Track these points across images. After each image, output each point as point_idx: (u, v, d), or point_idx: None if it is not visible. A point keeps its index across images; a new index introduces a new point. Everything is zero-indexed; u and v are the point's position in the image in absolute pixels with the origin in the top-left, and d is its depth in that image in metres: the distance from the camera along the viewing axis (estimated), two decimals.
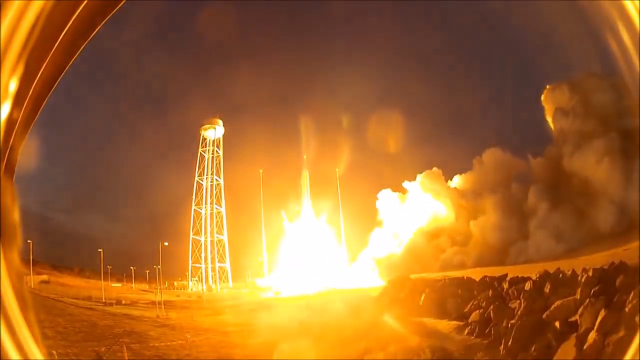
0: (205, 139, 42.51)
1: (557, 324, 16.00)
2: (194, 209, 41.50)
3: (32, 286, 28.16)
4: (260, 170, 38.49)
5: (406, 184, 37.04)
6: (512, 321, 17.93)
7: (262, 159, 37.35)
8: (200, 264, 40.86)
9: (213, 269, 41.20)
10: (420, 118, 36.25)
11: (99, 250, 32.54)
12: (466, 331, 20.80)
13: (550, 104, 33.83)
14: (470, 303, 22.34)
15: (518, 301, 18.86)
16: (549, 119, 33.71)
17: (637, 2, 2.49)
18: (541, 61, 34.25)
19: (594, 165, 29.48)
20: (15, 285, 2.46)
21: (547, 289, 17.75)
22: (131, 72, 35.45)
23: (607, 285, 15.09)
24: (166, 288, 38.04)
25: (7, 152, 2.67)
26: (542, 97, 34.10)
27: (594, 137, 30.18)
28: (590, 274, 16.24)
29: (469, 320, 21.26)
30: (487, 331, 19.44)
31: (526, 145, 34.43)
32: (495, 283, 22.00)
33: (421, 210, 36.53)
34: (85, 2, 2.80)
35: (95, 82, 35.40)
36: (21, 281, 2.59)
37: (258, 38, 39.27)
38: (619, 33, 2.58)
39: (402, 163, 34.82)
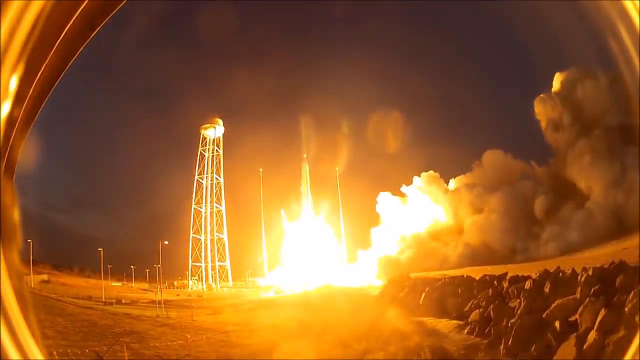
0: (205, 138, 42.57)
1: (557, 323, 15.99)
2: (194, 208, 41.59)
3: (32, 286, 28.20)
4: (261, 169, 38.54)
5: (404, 189, 37.26)
6: (512, 320, 17.92)
7: (262, 158, 37.42)
8: (201, 262, 40.93)
9: (213, 268, 41.28)
10: (420, 118, 36.30)
11: (99, 249, 32.59)
12: (466, 330, 20.80)
13: (543, 117, 34.32)
14: (470, 302, 22.34)
15: (518, 300, 18.86)
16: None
17: (637, 2, 2.49)
18: (541, 61, 34.33)
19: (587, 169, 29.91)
20: (15, 285, 2.45)
21: (547, 288, 17.74)
22: (131, 71, 35.42)
23: (607, 285, 15.08)
24: (166, 287, 38.09)
25: (7, 152, 2.67)
26: (535, 110, 34.53)
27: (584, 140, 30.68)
28: (590, 273, 16.23)
29: (469, 320, 21.26)
30: (487, 330, 19.44)
31: (525, 147, 34.64)
32: (495, 282, 21.99)
33: (420, 211, 36.64)
34: (85, 2, 2.79)
35: (95, 82, 35.44)
36: (21, 281, 2.59)
37: (258, 37, 39.32)
38: (619, 33, 2.58)
39: (401, 162, 34.85)
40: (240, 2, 39.11)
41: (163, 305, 30.79)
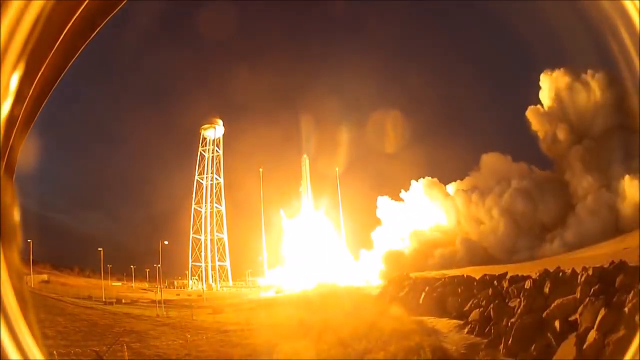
0: (205, 138, 42.57)
1: (557, 322, 16.00)
2: (194, 208, 41.57)
3: (32, 286, 28.19)
4: (260, 169, 38.53)
5: (403, 194, 37.36)
6: (512, 320, 17.94)
7: (262, 157, 37.41)
8: (201, 262, 40.93)
9: (213, 268, 41.27)
10: (420, 118, 36.30)
11: (99, 249, 32.57)
12: (466, 330, 20.82)
13: (538, 127, 34.57)
14: (470, 302, 22.36)
15: (518, 300, 18.87)
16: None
17: (637, 2, 2.49)
18: (541, 61, 34.34)
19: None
20: (15, 285, 2.45)
21: (547, 288, 17.76)
22: (131, 71, 35.43)
23: (607, 285, 15.10)
24: (166, 287, 38.08)
25: (7, 151, 2.67)
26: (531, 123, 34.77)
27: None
28: (590, 272, 16.24)
29: (469, 319, 21.28)
30: (487, 330, 19.46)
31: (525, 148, 34.74)
32: (495, 282, 22.00)
33: (420, 213, 36.71)
34: (85, 2, 2.79)
35: (95, 82, 35.44)
36: (21, 281, 2.59)
37: (258, 36, 39.33)
38: (619, 33, 2.58)
39: (402, 162, 34.79)
40: (240, 1, 39.11)
41: (163, 305, 30.80)
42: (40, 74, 2.79)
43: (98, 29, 3.10)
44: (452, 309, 23.44)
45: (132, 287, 37.18)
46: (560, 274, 18.34)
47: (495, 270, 25.09)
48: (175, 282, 40.45)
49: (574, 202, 30.98)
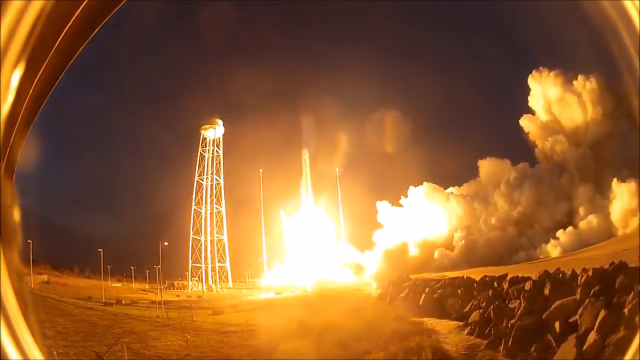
0: (205, 138, 42.55)
1: (557, 324, 16.00)
2: (194, 209, 41.53)
3: (32, 286, 28.16)
4: (260, 170, 38.51)
5: (403, 200, 37.47)
6: (512, 321, 17.93)
7: (262, 158, 37.38)
8: (200, 263, 40.88)
9: (213, 269, 41.22)
10: (420, 118, 36.23)
11: (99, 250, 32.53)
12: (466, 331, 20.81)
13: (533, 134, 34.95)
14: (470, 303, 22.35)
15: (518, 301, 18.85)
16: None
17: (637, 2, 2.49)
18: (541, 61, 34.36)
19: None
20: (15, 285, 2.46)
21: (547, 289, 17.75)
22: (131, 70, 35.40)
23: (607, 286, 15.09)
24: (166, 288, 38.04)
25: (7, 151, 2.67)
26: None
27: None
28: (590, 274, 16.23)
29: (469, 320, 21.27)
30: (487, 331, 19.44)
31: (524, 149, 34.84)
32: (495, 283, 21.99)
33: (420, 216, 36.81)
34: (85, 2, 2.80)
35: (95, 81, 35.45)
36: (21, 281, 2.59)
37: (258, 36, 39.28)
38: (619, 33, 2.58)
39: (402, 161, 34.73)
40: (241, 1, 39.08)
41: (163, 306, 30.77)
42: (40, 74, 2.79)
43: (98, 28, 3.11)
44: (452, 310, 23.44)
45: (132, 288, 37.12)
46: (560, 275, 18.34)
47: (495, 271, 25.08)
48: (175, 283, 40.39)
49: (572, 204, 31.19)
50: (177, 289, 39.97)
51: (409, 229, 36.74)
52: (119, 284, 36.83)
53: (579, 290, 16.06)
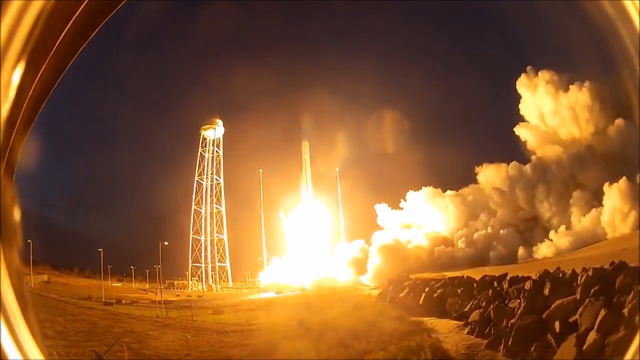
0: (205, 138, 42.57)
1: (557, 323, 15.99)
2: (194, 209, 41.57)
3: (32, 286, 28.16)
4: (261, 170, 38.50)
5: (402, 204, 37.60)
6: (512, 321, 17.93)
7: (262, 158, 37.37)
8: (200, 263, 40.91)
9: (213, 269, 41.25)
10: (421, 117, 36.24)
11: (99, 250, 32.54)
12: (466, 331, 20.82)
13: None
14: (470, 303, 22.35)
15: (518, 301, 18.85)
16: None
17: (637, 2, 2.49)
18: (541, 61, 34.36)
19: None
20: (15, 285, 2.46)
21: (547, 289, 17.75)
22: (131, 70, 35.38)
23: (607, 285, 15.08)
24: (166, 287, 38.06)
25: (7, 152, 2.67)
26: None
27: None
28: (590, 273, 16.23)
29: (469, 320, 21.27)
30: (487, 331, 19.44)
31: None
32: (495, 283, 21.99)
33: (420, 219, 36.93)
34: (85, 2, 2.80)
35: (95, 82, 35.45)
36: (21, 281, 2.59)
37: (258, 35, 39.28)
38: (619, 33, 2.58)
39: (402, 162, 34.75)
40: (241, 0, 39.08)
41: (163, 306, 30.79)
42: (40, 74, 2.79)
43: (98, 28, 3.11)
44: (452, 309, 23.44)
45: (132, 287, 37.15)
46: (560, 274, 18.33)
47: (495, 271, 25.10)
48: (175, 283, 40.42)
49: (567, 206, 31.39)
50: (177, 288, 39.99)
51: (408, 228, 36.88)
52: (119, 284, 36.85)
53: (579, 290, 16.06)
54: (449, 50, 37.94)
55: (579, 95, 32.78)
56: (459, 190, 37.17)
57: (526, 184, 33.34)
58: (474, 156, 35.85)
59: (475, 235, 34.36)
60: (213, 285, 41.02)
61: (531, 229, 32.42)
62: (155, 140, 40.09)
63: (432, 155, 34.24)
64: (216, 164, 42.49)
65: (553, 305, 16.63)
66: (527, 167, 33.99)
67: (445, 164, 35.24)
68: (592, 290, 15.46)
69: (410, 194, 37.43)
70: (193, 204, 41.52)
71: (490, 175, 36.16)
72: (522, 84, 35.13)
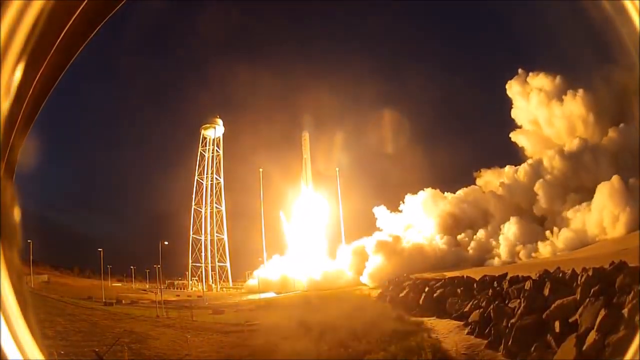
0: (205, 138, 42.56)
1: (557, 323, 15.98)
2: (194, 208, 41.56)
3: (32, 286, 28.17)
4: (261, 170, 38.48)
5: (402, 206, 37.69)
6: (512, 321, 17.91)
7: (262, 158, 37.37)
8: (200, 263, 40.91)
9: (213, 269, 41.25)
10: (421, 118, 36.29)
11: (99, 250, 32.54)
12: (466, 331, 20.80)
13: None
14: (470, 303, 22.34)
15: (518, 301, 18.83)
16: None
17: (637, 2, 2.49)
18: (541, 61, 34.41)
19: None
20: (15, 285, 2.46)
21: (547, 289, 17.73)
22: (131, 70, 35.41)
23: (607, 285, 15.07)
24: (166, 287, 38.06)
25: (7, 151, 2.67)
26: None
27: None
28: (590, 273, 16.21)
29: (469, 320, 21.25)
30: (487, 331, 19.42)
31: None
32: (495, 283, 21.98)
33: (419, 221, 37.03)
34: (85, 2, 2.80)
35: (95, 81, 35.46)
36: (21, 281, 2.59)
37: (258, 36, 39.30)
38: (619, 32, 2.58)
39: (402, 162, 34.79)
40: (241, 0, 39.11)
41: (163, 306, 30.79)
42: (40, 74, 2.79)
43: (98, 28, 3.11)
44: (452, 309, 23.43)
45: (132, 287, 37.17)
46: (560, 274, 18.31)
47: (495, 271, 25.08)
48: (175, 283, 40.43)
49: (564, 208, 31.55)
50: (177, 288, 39.99)
51: (408, 229, 36.98)
52: (119, 284, 36.88)
53: (579, 290, 16.04)
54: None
55: (581, 93, 32.93)
56: (459, 192, 37.35)
57: (525, 186, 33.50)
58: (474, 158, 35.99)
59: (475, 235, 34.51)
60: (213, 285, 41.02)
61: (531, 230, 32.48)
62: (155, 139, 40.13)
63: (433, 156, 34.30)
64: (216, 163, 42.52)
65: (553, 305, 16.60)
66: (526, 168, 34.18)
67: (445, 166, 35.33)
68: (592, 290, 15.43)
69: (410, 194, 37.56)
70: (193, 203, 41.55)
71: (489, 177, 36.44)
72: (519, 86, 35.35)
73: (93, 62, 27.87)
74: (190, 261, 40.53)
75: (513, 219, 32.75)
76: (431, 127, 37.97)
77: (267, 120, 36.16)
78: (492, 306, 20.06)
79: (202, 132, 42.39)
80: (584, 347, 14.20)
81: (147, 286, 36.84)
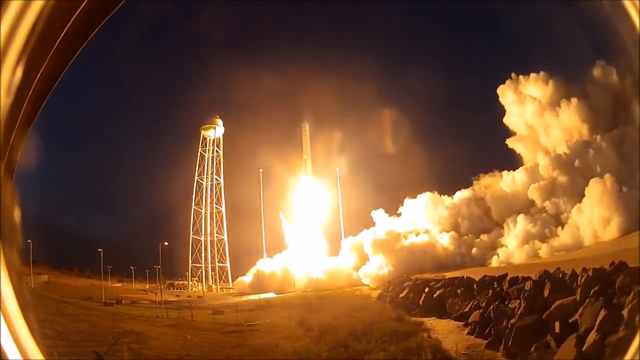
0: (205, 138, 42.55)
1: (557, 324, 15.96)
2: (194, 209, 41.55)
3: (32, 286, 28.15)
4: (260, 170, 38.48)
5: (401, 209, 37.77)
6: (512, 321, 17.90)
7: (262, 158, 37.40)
8: (201, 263, 40.91)
9: (213, 269, 41.25)
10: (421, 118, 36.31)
11: (99, 250, 32.54)
12: (466, 331, 20.79)
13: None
14: (470, 303, 22.33)
15: (518, 301, 18.83)
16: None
17: (637, 2, 2.49)
18: (541, 61, 34.45)
19: None
20: (15, 285, 2.46)
21: (547, 289, 17.72)
22: (131, 70, 35.43)
23: (607, 286, 15.06)
24: (166, 288, 38.06)
25: (7, 151, 2.67)
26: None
27: None
28: (590, 274, 16.21)
29: (469, 320, 21.24)
30: (487, 331, 19.41)
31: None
32: (495, 283, 21.98)
33: (419, 222, 37.10)
34: (85, 2, 2.80)
35: (95, 81, 35.49)
36: (21, 281, 2.59)
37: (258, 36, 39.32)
38: (619, 33, 2.58)
39: (402, 162, 34.80)
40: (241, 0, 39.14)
41: (163, 306, 30.78)
42: (40, 74, 2.79)
43: (97, 28, 3.11)
44: (452, 310, 23.43)
45: (132, 288, 37.17)
46: (560, 275, 18.31)
47: (495, 271, 25.07)
48: (175, 283, 40.43)
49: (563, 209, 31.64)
50: (177, 289, 39.98)
51: (408, 229, 37.02)
52: (119, 284, 36.88)
53: (579, 290, 16.03)
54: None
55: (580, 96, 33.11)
56: (458, 193, 37.45)
57: (523, 188, 33.64)
58: (473, 162, 36.11)
59: (475, 236, 34.61)
60: (213, 286, 41.01)
61: (530, 231, 32.55)
62: (155, 139, 40.13)
63: (432, 158, 34.35)
64: (216, 163, 42.51)
65: (553, 306, 16.59)
66: (525, 170, 34.34)
67: (444, 169, 35.42)
68: (592, 291, 15.42)
69: (410, 194, 37.64)
70: (193, 204, 41.54)
71: (487, 181, 36.62)
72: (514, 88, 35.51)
73: (93, 62, 27.89)
74: (190, 262, 40.54)
75: (513, 220, 32.80)
76: (431, 127, 37.98)
77: (267, 120, 36.14)
78: (492, 306, 20.06)
79: (202, 132, 42.38)
80: (584, 348, 14.18)
81: (147, 286, 36.84)
